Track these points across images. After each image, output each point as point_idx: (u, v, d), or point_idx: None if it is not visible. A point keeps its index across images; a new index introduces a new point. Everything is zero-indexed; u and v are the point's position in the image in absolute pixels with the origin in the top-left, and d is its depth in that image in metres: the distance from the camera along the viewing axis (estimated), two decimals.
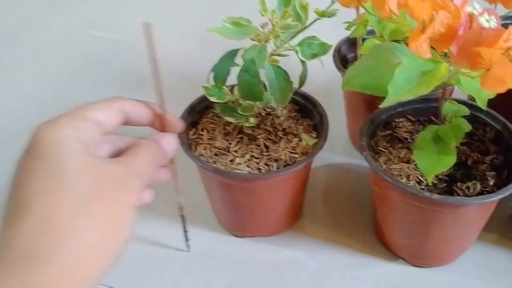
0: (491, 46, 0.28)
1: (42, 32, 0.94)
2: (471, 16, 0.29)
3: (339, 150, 0.66)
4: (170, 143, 0.39)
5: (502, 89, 0.29)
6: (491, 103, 0.42)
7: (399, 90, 0.36)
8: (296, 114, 0.56)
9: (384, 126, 0.54)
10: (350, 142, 0.67)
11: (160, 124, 0.40)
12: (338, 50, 0.62)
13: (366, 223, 0.56)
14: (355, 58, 0.63)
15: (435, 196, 0.43)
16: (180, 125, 0.41)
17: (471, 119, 0.51)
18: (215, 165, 0.49)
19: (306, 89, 0.54)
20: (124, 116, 0.37)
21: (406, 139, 0.52)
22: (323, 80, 0.71)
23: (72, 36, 0.93)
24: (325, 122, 0.52)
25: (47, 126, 0.31)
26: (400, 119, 0.54)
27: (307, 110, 0.55)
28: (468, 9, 0.28)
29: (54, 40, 0.92)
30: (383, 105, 0.37)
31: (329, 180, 0.63)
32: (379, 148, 0.51)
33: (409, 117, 0.54)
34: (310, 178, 0.56)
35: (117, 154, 0.36)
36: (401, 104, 0.54)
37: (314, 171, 0.61)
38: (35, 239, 0.27)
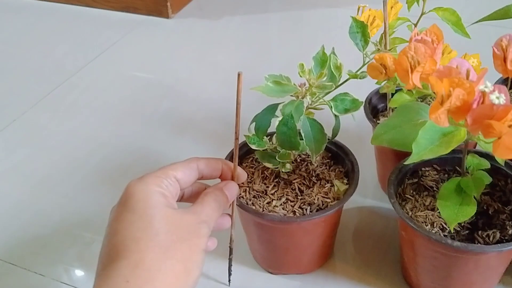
0: (501, 119, 0.33)
1: (97, 75, 1.03)
2: (483, 93, 0.33)
3: (370, 194, 0.70)
4: (232, 190, 0.45)
5: (509, 156, 0.33)
6: None
7: (422, 149, 0.41)
8: (328, 161, 0.60)
9: (411, 175, 0.58)
10: (380, 187, 0.71)
11: (226, 174, 0.47)
12: (369, 101, 0.67)
13: (394, 265, 0.60)
14: (385, 109, 0.68)
15: (457, 244, 0.47)
16: (244, 176, 0.48)
17: (493, 170, 0.55)
18: (253, 207, 0.54)
19: (339, 136, 0.58)
20: (199, 173, 0.44)
21: (431, 187, 0.56)
22: (355, 128, 0.76)
23: (123, 78, 1.01)
24: (356, 170, 0.56)
25: (137, 184, 0.39)
26: (427, 168, 0.58)
27: (339, 157, 0.60)
28: (481, 87, 0.33)
29: (108, 82, 1.00)
30: (408, 162, 0.41)
31: (359, 223, 0.67)
32: (406, 195, 0.55)
33: (435, 166, 0.58)
34: (341, 220, 0.60)
35: (183, 197, 0.45)
36: None
37: (345, 213, 0.65)
38: (128, 278, 0.34)
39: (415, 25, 0.58)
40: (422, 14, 0.57)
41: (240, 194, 0.56)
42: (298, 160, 0.60)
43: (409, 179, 0.57)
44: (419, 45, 0.36)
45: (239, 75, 0.39)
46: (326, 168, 0.59)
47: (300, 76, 0.51)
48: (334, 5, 1.22)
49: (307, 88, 0.51)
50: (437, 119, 0.34)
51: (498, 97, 0.32)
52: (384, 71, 0.39)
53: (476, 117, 0.34)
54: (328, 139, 0.54)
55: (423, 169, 0.58)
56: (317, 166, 0.59)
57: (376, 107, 0.68)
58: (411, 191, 0.56)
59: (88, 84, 1.00)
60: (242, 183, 0.57)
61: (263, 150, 0.56)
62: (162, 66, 1.04)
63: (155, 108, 0.92)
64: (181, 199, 0.47)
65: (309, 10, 1.21)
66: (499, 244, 0.47)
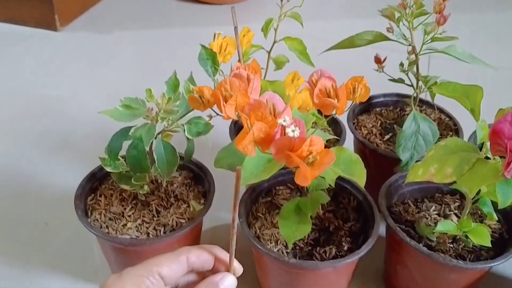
0: (298, 150, 0.36)
1: None
2: (283, 127, 0.36)
3: None
4: (229, 285, 0.38)
5: (306, 184, 0.36)
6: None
7: (249, 175, 0.44)
8: (189, 181, 0.62)
9: (266, 193, 0.61)
10: None
11: (219, 266, 0.39)
12: (235, 122, 0.69)
13: (254, 281, 0.62)
14: None
15: (292, 261, 0.50)
16: (241, 270, 0.39)
17: (339, 189, 0.59)
18: (106, 230, 0.54)
19: (203, 157, 0.60)
20: (188, 266, 0.38)
21: (282, 205, 0.59)
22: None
23: (1, 94, 0.97)
24: (212, 190, 0.58)
25: (114, 283, 0.35)
26: (281, 187, 0.61)
27: (199, 177, 0.62)
28: (280, 121, 0.36)
29: None
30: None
31: (223, 239, 0.69)
32: (258, 214, 0.58)
33: (289, 185, 0.62)
34: (207, 238, 0.61)
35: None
36: (282, 174, 0.61)
37: (213, 230, 0.67)
38: None
39: (269, 52, 0.62)
40: (274, 42, 0.61)
41: (95, 217, 0.56)
42: (159, 181, 0.61)
43: (263, 198, 0.60)
44: (233, 79, 0.39)
45: (238, 170, 0.33)
46: (186, 188, 0.61)
47: (148, 101, 0.52)
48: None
49: (156, 113, 0.53)
50: (244, 149, 0.37)
51: (293, 130, 0.35)
52: (203, 102, 0.41)
53: (278, 148, 0.37)
54: (181, 162, 0.56)
55: (277, 187, 0.61)
56: (177, 186, 0.61)
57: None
58: (264, 209, 0.59)
59: None
60: (99, 205, 0.58)
61: (120, 172, 0.56)
62: (45, 82, 1.01)
63: (33, 127, 0.89)
64: None
65: (203, 28, 1.23)
66: (332, 260, 0.51)
